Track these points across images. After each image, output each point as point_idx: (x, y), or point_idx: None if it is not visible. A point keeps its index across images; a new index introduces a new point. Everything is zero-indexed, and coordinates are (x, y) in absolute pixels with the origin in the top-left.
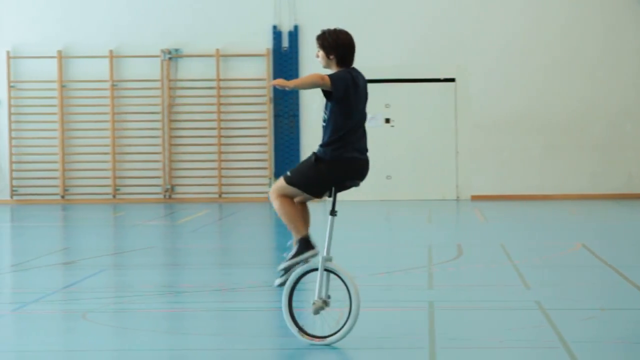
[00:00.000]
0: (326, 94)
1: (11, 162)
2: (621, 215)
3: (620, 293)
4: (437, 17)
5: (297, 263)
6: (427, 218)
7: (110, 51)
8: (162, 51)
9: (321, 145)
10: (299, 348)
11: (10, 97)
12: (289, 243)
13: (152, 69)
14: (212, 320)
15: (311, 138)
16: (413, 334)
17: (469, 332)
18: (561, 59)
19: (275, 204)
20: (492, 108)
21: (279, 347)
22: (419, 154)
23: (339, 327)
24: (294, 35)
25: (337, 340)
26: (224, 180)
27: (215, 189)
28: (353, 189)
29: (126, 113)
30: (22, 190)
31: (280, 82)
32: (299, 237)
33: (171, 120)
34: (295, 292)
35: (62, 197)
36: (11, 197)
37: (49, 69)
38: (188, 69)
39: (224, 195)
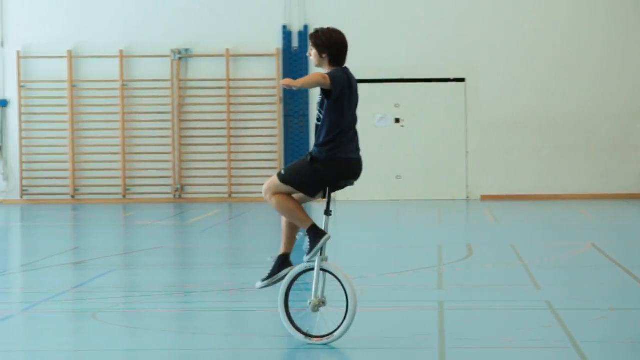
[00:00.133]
0: (325, 92)
1: (21, 162)
2: (631, 215)
3: (631, 293)
4: (447, 17)
5: (318, 251)
6: (437, 218)
7: (121, 51)
8: (172, 51)
9: (316, 145)
10: (308, 348)
11: (20, 97)
12: (299, 235)
13: (162, 69)
14: (221, 320)
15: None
16: (423, 334)
17: (479, 332)
18: (571, 59)
19: (273, 202)
20: (502, 108)
21: (288, 347)
22: (429, 153)
23: (336, 327)
24: (303, 35)
25: (335, 340)
26: (233, 180)
27: (225, 189)
28: (362, 189)
29: (136, 113)
30: (32, 190)
31: (288, 82)
32: (307, 227)
33: (181, 120)
34: (291, 293)
35: (72, 197)
36: (21, 197)
37: (59, 69)
38: (198, 69)
39: (233, 195)
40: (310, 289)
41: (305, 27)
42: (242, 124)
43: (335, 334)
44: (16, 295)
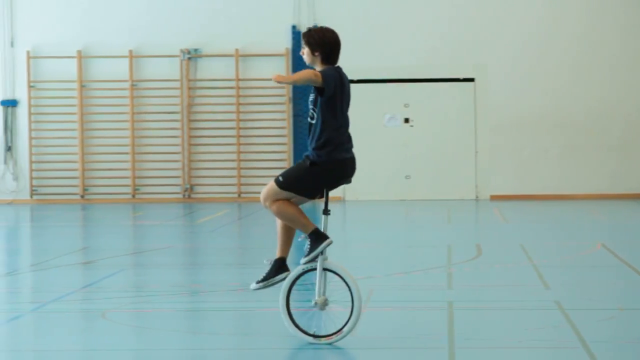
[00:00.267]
0: (318, 90)
1: (31, 162)
2: None
3: None
4: (456, 17)
5: (317, 255)
6: (446, 218)
7: (130, 51)
8: (182, 51)
9: (313, 148)
10: (316, 348)
11: (30, 97)
12: (300, 239)
13: (171, 69)
14: (229, 320)
15: None
16: (432, 334)
17: (488, 332)
18: (580, 59)
19: (273, 209)
20: (511, 108)
21: (295, 347)
22: (438, 153)
23: (342, 325)
24: None
25: (341, 339)
26: (243, 180)
27: (234, 189)
28: (371, 189)
29: (145, 113)
30: (41, 190)
31: (279, 77)
32: (308, 231)
33: (190, 120)
34: (292, 293)
35: (82, 196)
36: (31, 196)
37: (69, 69)
38: (207, 69)
39: (243, 195)
40: (309, 289)
41: (315, 27)
42: (252, 124)
43: (341, 332)
44: (25, 294)
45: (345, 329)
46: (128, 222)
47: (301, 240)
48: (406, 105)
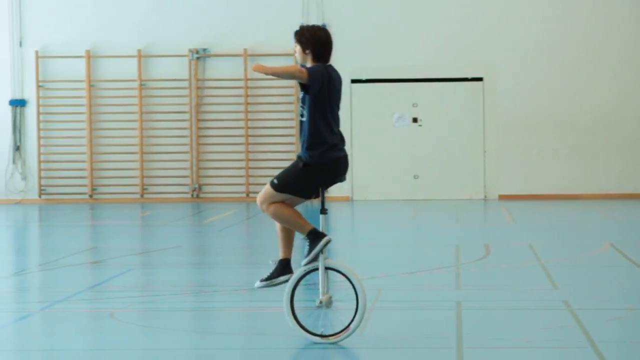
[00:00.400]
0: (303, 87)
1: (39, 162)
2: None
3: None
4: (465, 17)
5: (317, 254)
6: (455, 218)
7: (139, 51)
8: (190, 51)
9: (305, 149)
10: (324, 348)
11: (38, 97)
12: (302, 238)
13: (180, 69)
14: (238, 320)
15: None
16: (440, 334)
17: (496, 332)
18: (588, 58)
19: (270, 212)
20: (520, 107)
21: (303, 347)
22: (447, 153)
23: (348, 323)
24: None
25: (347, 337)
26: (251, 180)
27: (242, 189)
28: (380, 189)
29: (154, 112)
30: (50, 190)
31: (259, 67)
32: (306, 231)
33: (199, 120)
34: (296, 294)
35: (90, 196)
36: (39, 196)
37: (77, 69)
38: (216, 69)
39: (251, 195)
40: (312, 289)
41: (324, 26)
42: (260, 124)
43: (348, 330)
44: (34, 294)
45: (351, 327)
46: (136, 222)
47: (303, 239)
48: (414, 105)
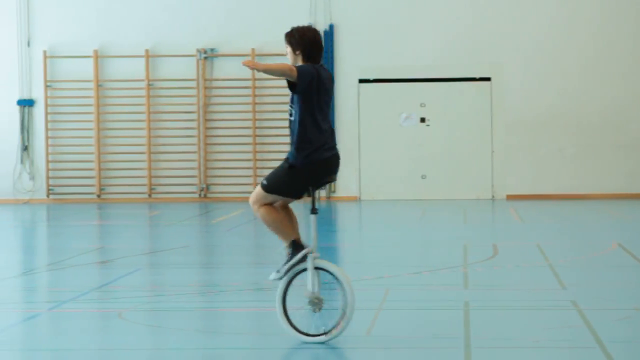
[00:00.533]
0: (291, 85)
1: (47, 162)
2: None
3: None
4: (472, 16)
5: (294, 265)
6: (463, 218)
7: (146, 50)
8: (198, 50)
9: (293, 149)
10: (333, 347)
11: (46, 97)
12: (282, 248)
13: (187, 69)
14: (246, 319)
15: (346, 137)
16: (448, 334)
17: (504, 332)
18: (596, 58)
19: (259, 214)
20: (528, 107)
21: (311, 347)
22: (454, 153)
23: (336, 323)
24: (329, 34)
25: (336, 337)
26: (259, 180)
27: (250, 188)
28: (387, 189)
29: (162, 112)
30: (58, 190)
31: (250, 62)
32: (289, 241)
33: (206, 120)
34: (288, 295)
35: (98, 196)
36: (47, 196)
37: (85, 69)
38: (223, 69)
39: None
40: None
41: (331, 26)
42: (268, 124)
43: (336, 330)
44: (42, 294)
45: (340, 327)
46: (144, 222)
47: (284, 248)
48: (422, 105)
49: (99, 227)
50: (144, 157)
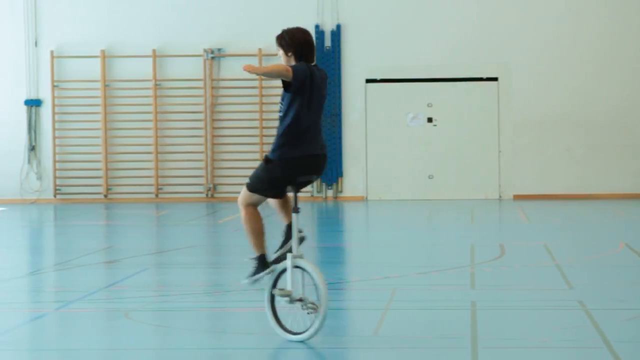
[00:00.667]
0: (285, 84)
1: (54, 162)
2: None
3: None
4: (480, 16)
5: (256, 281)
6: (470, 218)
7: (154, 50)
8: (205, 50)
9: (274, 144)
10: (340, 347)
11: (53, 97)
12: (249, 258)
13: (195, 69)
14: (253, 319)
15: (353, 137)
16: (455, 334)
17: (511, 332)
18: (604, 57)
19: (242, 214)
20: (535, 107)
21: (319, 346)
22: (461, 153)
23: (311, 324)
24: (336, 34)
25: (311, 337)
26: None
27: None
28: (394, 189)
29: (169, 112)
30: (65, 190)
31: (250, 67)
32: (257, 254)
33: (214, 120)
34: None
35: (105, 196)
36: (54, 196)
37: (93, 69)
38: (231, 69)
39: None
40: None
41: (338, 26)
42: (275, 123)
43: (311, 330)
44: (49, 294)
45: (314, 326)
46: (151, 222)
47: (249, 259)
48: (429, 105)
49: (105, 227)
50: (151, 157)
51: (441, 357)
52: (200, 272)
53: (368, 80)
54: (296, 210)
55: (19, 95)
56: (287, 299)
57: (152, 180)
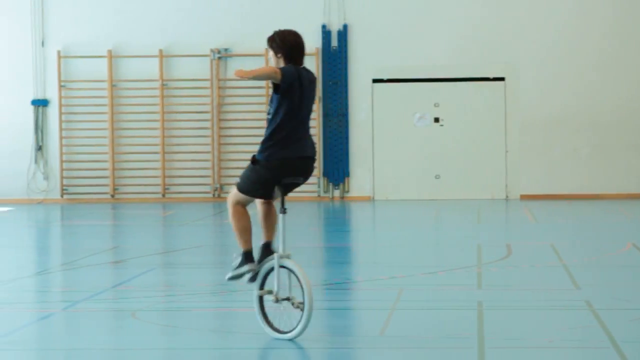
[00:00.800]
0: (275, 86)
1: (61, 162)
2: None
3: None
4: (486, 16)
5: (240, 276)
6: (476, 217)
7: (160, 50)
8: (212, 50)
9: (261, 145)
10: (346, 347)
11: (60, 97)
12: (235, 255)
13: (201, 69)
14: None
15: (360, 137)
16: (462, 334)
17: (518, 332)
18: (610, 57)
19: (230, 211)
20: (542, 107)
21: (326, 347)
22: (468, 153)
23: (297, 323)
24: (343, 34)
25: (298, 335)
26: None
27: None
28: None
29: (176, 112)
30: (72, 190)
31: (240, 72)
32: (243, 250)
33: (220, 120)
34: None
35: (112, 196)
36: (61, 196)
37: (99, 69)
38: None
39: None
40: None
41: (345, 26)
42: None
43: (296, 330)
44: (56, 294)
45: (300, 326)
46: (158, 222)
47: (236, 255)
48: (436, 105)
49: (112, 227)
50: (158, 157)
51: (448, 357)
52: (206, 272)
53: (375, 80)
54: (283, 211)
55: (26, 95)
56: (272, 298)
57: (158, 180)
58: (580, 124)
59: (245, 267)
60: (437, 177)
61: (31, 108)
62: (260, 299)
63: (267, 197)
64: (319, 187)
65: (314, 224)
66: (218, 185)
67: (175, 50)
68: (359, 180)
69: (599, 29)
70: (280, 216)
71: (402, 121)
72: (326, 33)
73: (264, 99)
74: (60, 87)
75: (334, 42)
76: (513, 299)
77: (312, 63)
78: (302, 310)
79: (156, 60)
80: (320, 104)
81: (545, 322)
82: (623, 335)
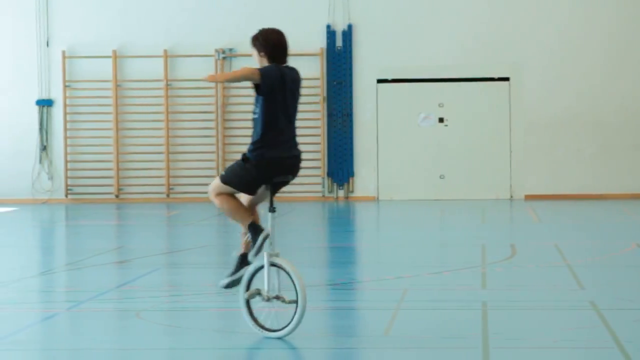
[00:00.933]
0: (256, 87)
1: (66, 162)
2: None
3: None
4: (491, 16)
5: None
6: (481, 218)
7: (165, 51)
8: (216, 51)
9: (250, 144)
10: (351, 347)
11: (65, 97)
12: (241, 233)
13: (206, 69)
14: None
15: (365, 137)
16: (466, 334)
17: (522, 332)
18: (615, 57)
19: (216, 202)
20: (547, 107)
21: (330, 346)
22: (473, 153)
23: (289, 321)
24: (347, 34)
25: (288, 333)
26: None
27: None
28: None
29: (180, 112)
30: (76, 190)
31: (211, 77)
32: (246, 224)
33: (225, 120)
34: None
35: (117, 196)
36: (66, 196)
37: (104, 69)
38: None
39: (277, 195)
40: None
41: (349, 26)
42: None
43: (289, 327)
44: (61, 294)
45: (292, 323)
46: (162, 222)
47: (242, 233)
48: (441, 105)
49: (117, 227)
50: (163, 157)
51: (452, 357)
52: (211, 272)
53: (379, 81)
54: (272, 210)
55: (31, 96)
56: (262, 297)
57: (163, 180)
58: (585, 124)
59: (260, 237)
60: (441, 177)
61: (36, 108)
62: (247, 302)
63: (251, 193)
64: (323, 187)
65: (319, 224)
66: None
67: (179, 50)
68: (364, 180)
69: (603, 29)
70: (269, 215)
71: (406, 121)
72: (331, 33)
73: None
74: (65, 87)
75: (339, 42)
76: (517, 299)
77: (316, 63)
78: (296, 306)
79: (161, 61)
80: (325, 104)
81: (550, 322)
82: (627, 335)
